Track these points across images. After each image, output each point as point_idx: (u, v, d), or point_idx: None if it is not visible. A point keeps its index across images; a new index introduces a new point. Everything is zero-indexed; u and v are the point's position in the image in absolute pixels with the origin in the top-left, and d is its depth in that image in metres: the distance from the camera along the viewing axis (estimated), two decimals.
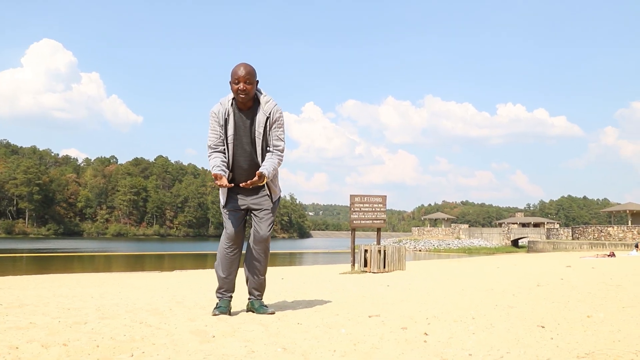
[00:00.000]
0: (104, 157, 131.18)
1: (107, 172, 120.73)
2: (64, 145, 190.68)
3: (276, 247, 53.79)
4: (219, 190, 3.53)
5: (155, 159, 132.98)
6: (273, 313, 3.43)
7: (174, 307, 3.85)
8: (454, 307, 3.60)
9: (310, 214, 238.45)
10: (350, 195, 12.64)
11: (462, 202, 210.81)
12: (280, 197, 3.69)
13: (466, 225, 70.67)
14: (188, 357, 2.07)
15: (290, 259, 29.92)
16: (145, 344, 2.26)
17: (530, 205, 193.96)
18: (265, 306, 3.57)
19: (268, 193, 3.48)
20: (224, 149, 3.41)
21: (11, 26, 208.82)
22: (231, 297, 3.58)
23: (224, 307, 3.45)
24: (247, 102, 3.39)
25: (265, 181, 3.31)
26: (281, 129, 3.46)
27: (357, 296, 4.71)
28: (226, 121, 3.40)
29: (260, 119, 3.41)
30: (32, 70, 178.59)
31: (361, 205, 12.68)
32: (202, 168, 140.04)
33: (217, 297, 3.56)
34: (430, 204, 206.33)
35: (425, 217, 78.65)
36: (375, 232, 13.21)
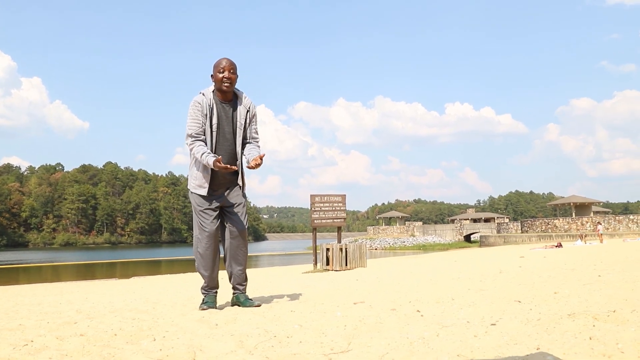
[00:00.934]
0: (49, 164, 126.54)
1: (53, 180, 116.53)
2: (5, 153, 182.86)
3: None
4: (189, 192, 3.59)
5: (104, 166, 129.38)
6: (259, 305, 3.51)
7: (155, 306, 3.87)
8: (431, 292, 3.79)
9: (264, 217, 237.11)
10: (311, 195, 12.78)
11: (414, 200, 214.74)
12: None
13: (420, 223, 72.14)
14: (212, 336, 2.15)
15: (248, 262, 29.66)
16: (158, 332, 2.31)
17: (481, 202, 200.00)
18: (251, 299, 3.66)
19: (240, 184, 3.60)
20: (204, 139, 3.47)
21: None
22: (216, 292, 3.66)
23: (211, 302, 3.53)
24: (229, 93, 3.52)
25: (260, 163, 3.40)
26: (257, 124, 3.70)
27: (331, 289, 4.85)
28: (211, 111, 3.47)
29: (241, 111, 3.57)
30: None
31: (322, 204, 12.83)
32: (153, 173, 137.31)
33: (203, 293, 3.62)
34: (383, 203, 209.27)
35: (380, 216, 79.73)
36: (334, 232, 13.41)
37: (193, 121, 3.46)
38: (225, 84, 3.47)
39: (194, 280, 9.83)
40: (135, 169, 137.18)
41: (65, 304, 4.88)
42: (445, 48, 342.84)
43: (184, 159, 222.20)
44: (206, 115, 3.47)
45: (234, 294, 3.69)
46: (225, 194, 3.59)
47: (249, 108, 3.61)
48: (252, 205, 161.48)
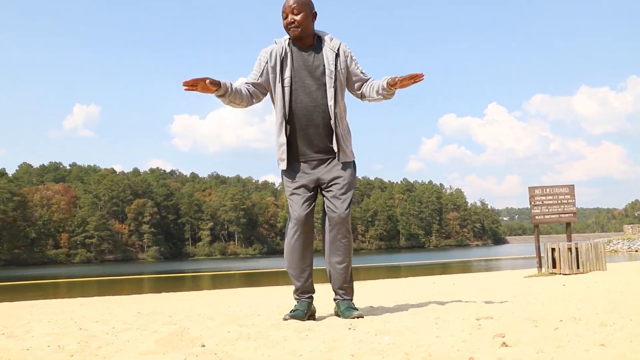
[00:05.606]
0: None
1: None
2: (263, 172, 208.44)
3: (461, 255, 51.37)
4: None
5: None
6: (361, 317, 2.72)
7: (253, 314, 3.42)
8: None
9: (504, 219, 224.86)
10: (529, 188, 11.18)
11: None
12: (355, 163, 2.98)
13: None
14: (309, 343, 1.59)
15: (465, 266, 27.86)
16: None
17: None
18: (354, 308, 2.87)
19: (336, 149, 2.81)
20: (249, 87, 2.87)
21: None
22: (311, 298, 2.96)
23: (300, 311, 2.84)
24: (303, 36, 2.85)
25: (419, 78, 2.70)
26: (359, 65, 2.94)
27: (529, 296, 3.80)
28: (282, 61, 2.83)
29: (328, 55, 2.86)
30: (232, 108, 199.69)
31: (543, 198, 11.13)
32: (389, 181, 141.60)
33: (295, 298, 2.97)
34: None
35: None
36: (581, 233, 11.46)
37: (251, 73, 2.91)
38: (293, 29, 2.81)
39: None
40: (372, 177, 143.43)
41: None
42: None
43: (418, 165, 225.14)
44: (274, 66, 2.84)
45: (334, 300, 2.96)
46: (319, 167, 2.86)
47: (338, 50, 2.88)
48: (489, 207, 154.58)
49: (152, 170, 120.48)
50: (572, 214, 11.11)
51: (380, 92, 2.83)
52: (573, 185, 11.22)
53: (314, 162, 2.88)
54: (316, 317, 2.98)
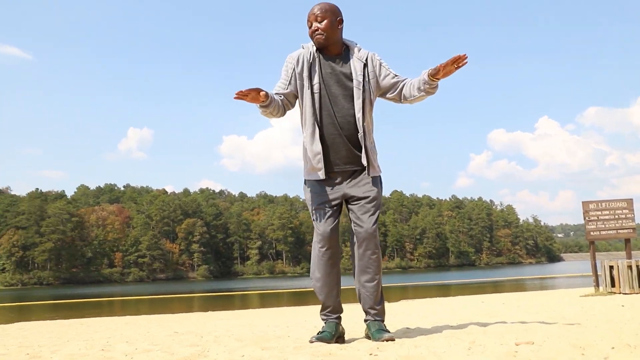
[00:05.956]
0: None
1: None
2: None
3: (514, 273, 49.59)
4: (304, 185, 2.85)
5: (390, 194, 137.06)
6: (392, 339, 2.54)
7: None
8: None
9: (559, 235, 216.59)
10: (583, 203, 10.63)
11: None
12: (381, 179, 2.83)
13: None
14: None
15: (517, 284, 26.72)
16: None
17: None
18: (385, 330, 2.68)
19: (365, 163, 2.69)
20: (282, 94, 2.78)
21: None
22: (339, 318, 2.79)
23: (327, 333, 2.66)
24: (328, 44, 2.74)
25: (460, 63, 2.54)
26: (390, 69, 2.81)
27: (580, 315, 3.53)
28: (310, 67, 2.73)
29: (356, 66, 2.74)
30: (280, 128, 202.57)
31: (599, 213, 10.56)
32: (437, 198, 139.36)
33: (322, 319, 2.81)
34: None
35: None
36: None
37: (279, 81, 2.80)
38: (317, 37, 2.71)
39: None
40: (420, 195, 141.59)
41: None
42: None
43: (467, 182, 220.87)
44: (301, 73, 2.73)
45: (365, 321, 2.77)
46: (347, 181, 2.74)
47: (367, 60, 2.75)
48: (542, 223, 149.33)
49: (201, 191, 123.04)
50: (631, 230, 10.49)
51: (422, 87, 2.67)
52: (632, 199, 10.62)
53: (344, 173, 2.75)
54: (345, 339, 2.83)
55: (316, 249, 2.75)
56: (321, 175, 2.70)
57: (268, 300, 22.84)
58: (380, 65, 2.79)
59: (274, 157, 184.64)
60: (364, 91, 2.71)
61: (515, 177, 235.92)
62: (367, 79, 2.73)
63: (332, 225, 2.71)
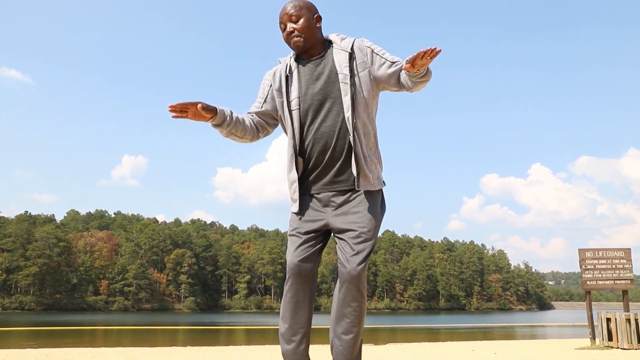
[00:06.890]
0: None
1: None
2: None
3: (504, 319, 48.88)
4: None
5: (382, 234, 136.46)
6: None
7: None
8: None
9: (550, 283, 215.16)
10: (580, 250, 10.42)
11: None
12: (382, 195, 2.37)
13: None
14: None
15: (508, 332, 26.15)
16: None
17: None
18: None
19: (355, 173, 2.21)
20: (253, 117, 2.42)
21: None
22: None
23: None
24: (307, 47, 2.33)
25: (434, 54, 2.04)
26: (384, 53, 2.31)
27: None
28: (287, 80, 2.34)
29: (340, 59, 2.30)
30: (276, 162, 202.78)
31: (595, 262, 10.34)
32: (429, 240, 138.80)
33: None
34: None
35: None
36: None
37: (255, 101, 2.47)
38: (295, 40, 2.31)
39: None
40: (412, 235, 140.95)
41: None
42: None
43: (459, 225, 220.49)
44: (279, 89, 2.35)
45: None
46: (331, 207, 2.28)
47: (352, 48, 2.31)
48: (534, 270, 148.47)
49: (193, 221, 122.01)
50: (629, 281, 10.24)
51: (412, 80, 2.22)
52: (629, 249, 10.42)
53: (329, 194, 2.30)
54: None
55: (285, 285, 2.34)
56: (294, 208, 2.33)
57: (254, 336, 22.17)
58: (372, 53, 2.32)
59: (267, 191, 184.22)
60: (352, 85, 2.26)
61: (507, 222, 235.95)
62: (355, 72, 2.29)
63: (302, 257, 2.26)
